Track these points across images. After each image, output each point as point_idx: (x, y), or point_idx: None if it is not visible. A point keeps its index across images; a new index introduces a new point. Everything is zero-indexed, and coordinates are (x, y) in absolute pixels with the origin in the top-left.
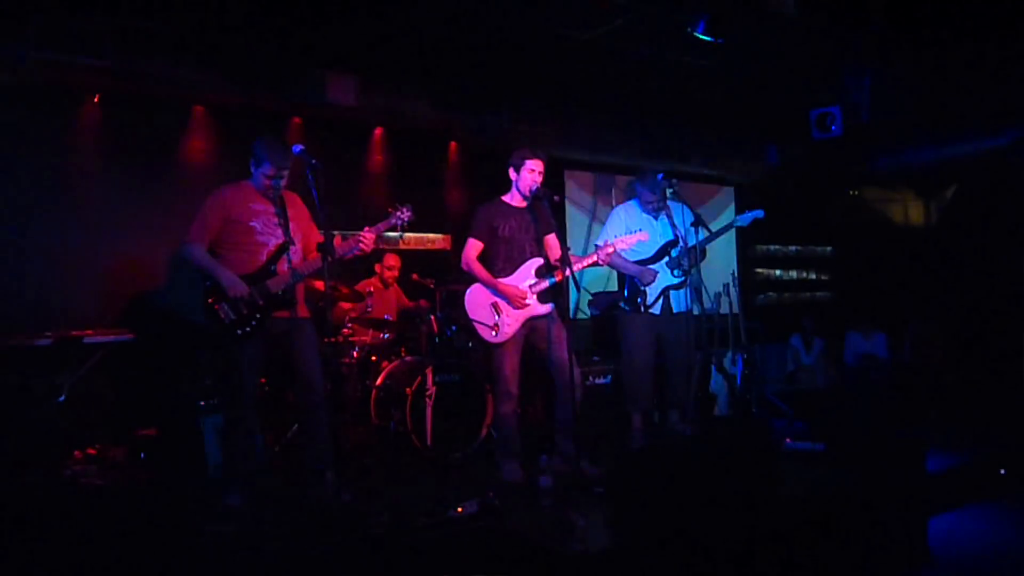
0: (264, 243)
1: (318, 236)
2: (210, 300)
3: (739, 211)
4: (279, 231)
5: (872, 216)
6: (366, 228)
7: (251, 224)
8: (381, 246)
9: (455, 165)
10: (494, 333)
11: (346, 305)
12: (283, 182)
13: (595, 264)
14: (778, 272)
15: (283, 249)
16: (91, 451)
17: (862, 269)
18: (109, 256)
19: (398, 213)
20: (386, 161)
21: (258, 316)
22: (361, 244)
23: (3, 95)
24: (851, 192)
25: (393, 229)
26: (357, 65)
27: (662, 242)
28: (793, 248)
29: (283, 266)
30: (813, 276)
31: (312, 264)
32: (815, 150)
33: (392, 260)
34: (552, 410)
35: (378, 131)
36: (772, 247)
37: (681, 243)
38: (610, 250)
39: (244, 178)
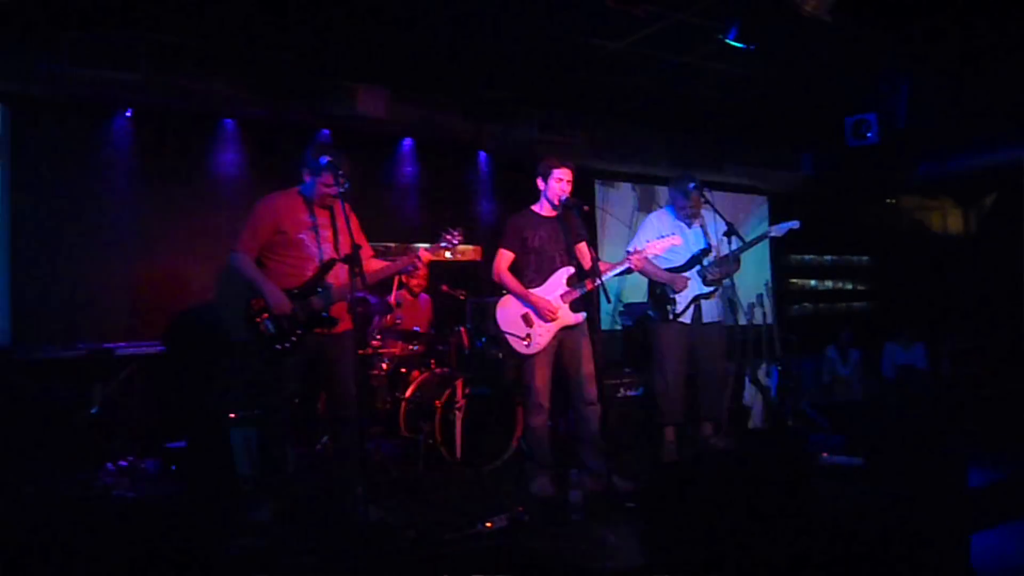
0: (312, 257)
1: (368, 248)
2: (252, 313)
3: (773, 221)
4: (328, 245)
5: (910, 225)
6: (421, 249)
7: (300, 237)
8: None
9: (485, 176)
10: (526, 344)
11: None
12: (339, 191)
13: (627, 271)
14: (813, 282)
15: (330, 265)
16: (123, 463)
17: (900, 279)
18: (141, 269)
19: (448, 236)
20: (416, 172)
21: (299, 332)
22: (417, 264)
23: (37, 109)
24: (888, 200)
25: (444, 252)
26: (387, 77)
27: (695, 250)
28: (829, 258)
29: (328, 282)
30: (850, 286)
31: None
32: (851, 158)
33: (420, 269)
34: (576, 427)
35: (408, 142)
36: (807, 257)
37: (714, 252)
38: (643, 255)
39: (277, 187)
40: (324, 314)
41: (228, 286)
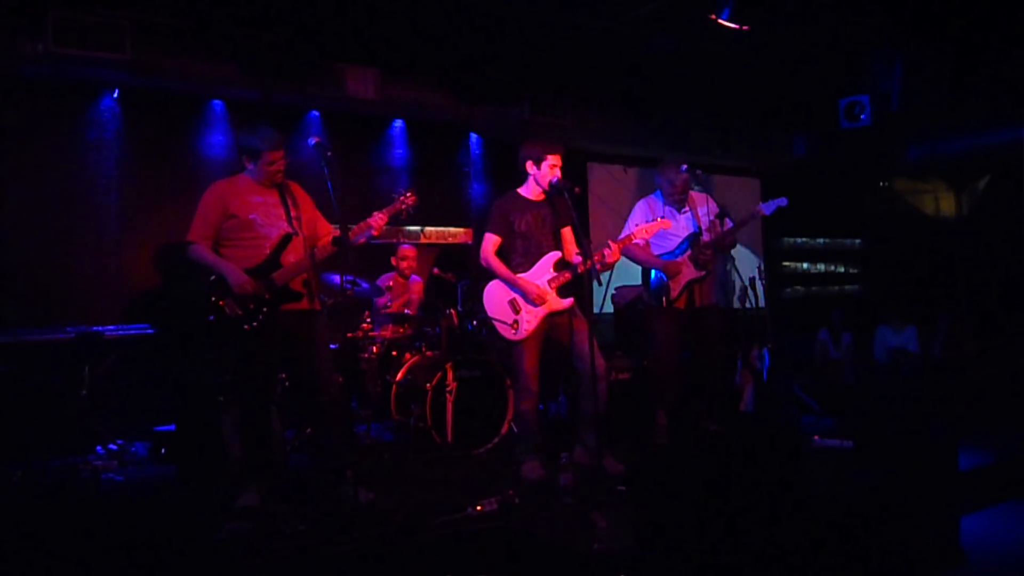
0: (267, 235)
1: (326, 225)
2: (214, 296)
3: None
4: (281, 222)
5: (902, 208)
6: (375, 212)
7: (251, 217)
8: (401, 240)
9: (476, 158)
10: (514, 330)
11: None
12: (283, 164)
13: (618, 256)
14: (806, 265)
15: (286, 240)
16: (112, 446)
17: (892, 262)
18: (129, 251)
19: (401, 198)
20: (406, 154)
21: (265, 310)
22: (371, 227)
23: (22, 90)
24: (881, 183)
25: (399, 215)
26: (376, 58)
27: (685, 235)
28: (821, 241)
29: (289, 258)
30: (842, 269)
31: (320, 254)
32: (844, 140)
33: (407, 251)
34: (576, 402)
35: (398, 124)
36: (800, 240)
37: (705, 235)
38: (631, 239)
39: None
40: (288, 288)
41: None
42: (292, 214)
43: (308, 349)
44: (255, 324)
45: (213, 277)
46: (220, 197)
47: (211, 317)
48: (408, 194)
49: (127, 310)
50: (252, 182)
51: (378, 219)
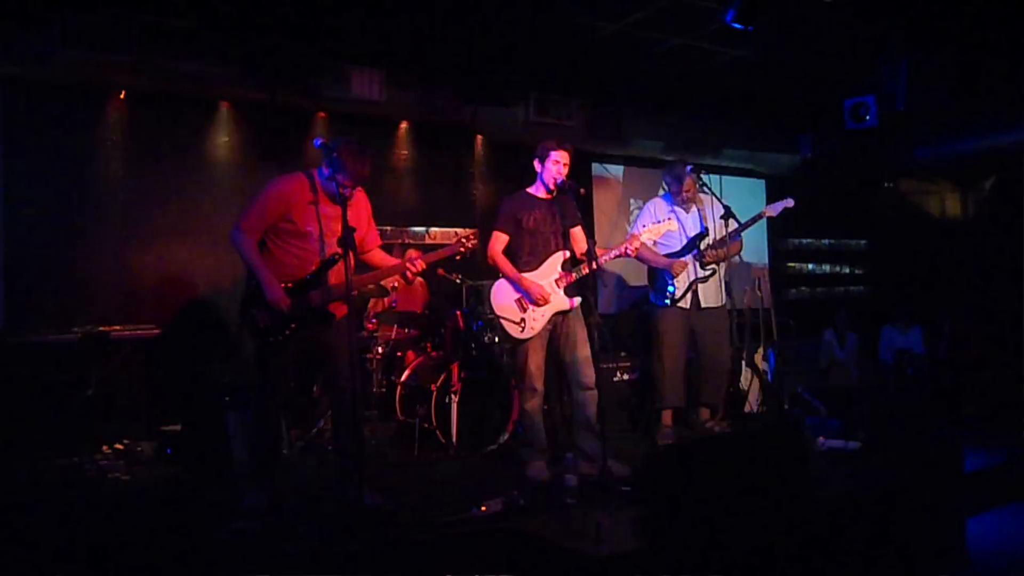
0: (316, 251)
1: (376, 237)
2: (248, 303)
3: (770, 203)
4: (334, 240)
5: (908, 208)
6: (412, 253)
7: (308, 229)
8: (405, 240)
9: (481, 159)
10: (520, 329)
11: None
12: (352, 193)
13: (623, 255)
14: (811, 266)
15: (333, 262)
16: (118, 446)
17: (898, 263)
18: (135, 252)
19: (463, 239)
20: (412, 156)
21: (293, 326)
22: (408, 269)
23: (29, 92)
24: (886, 184)
25: (454, 256)
26: (382, 59)
27: (691, 235)
28: (826, 241)
29: (331, 278)
30: (847, 270)
31: (360, 282)
32: (849, 141)
33: (412, 255)
34: (572, 411)
35: (403, 125)
36: (805, 240)
37: (710, 236)
38: (637, 242)
39: (273, 171)
40: (322, 310)
41: (222, 269)
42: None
43: (327, 353)
44: (280, 338)
45: (253, 283)
46: (285, 199)
47: (242, 322)
48: (470, 236)
49: (133, 311)
50: (320, 188)
51: (420, 261)
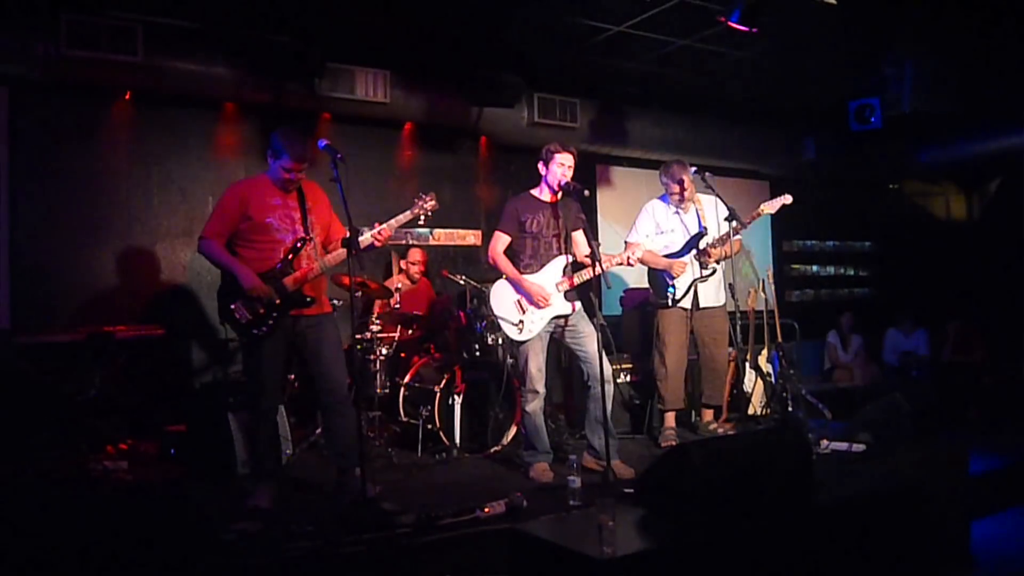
0: (282, 240)
1: (340, 228)
2: (226, 299)
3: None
4: (297, 226)
5: (913, 210)
6: (376, 223)
7: (268, 221)
8: (409, 241)
9: (485, 160)
10: (519, 331)
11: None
12: (300, 176)
13: (624, 263)
14: (815, 268)
15: (300, 245)
16: (122, 446)
17: (902, 265)
18: (140, 252)
19: (420, 202)
20: (416, 157)
21: (275, 315)
22: (375, 239)
23: (35, 93)
24: (891, 186)
25: (417, 219)
26: (387, 61)
27: (690, 235)
28: (831, 243)
29: (301, 263)
30: (851, 272)
31: (332, 260)
32: (854, 143)
33: (415, 255)
34: (583, 405)
35: (408, 127)
36: (809, 242)
37: (709, 235)
38: (639, 252)
39: (262, 172)
40: (299, 293)
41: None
42: (309, 218)
43: (317, 351)
44: (264, 329)
45: (227, 279)
46: (240, 197)
47: (221, 322)
48: (427, 197)
49: (137, 312)
50: (271, 183)
51: (392, 224)
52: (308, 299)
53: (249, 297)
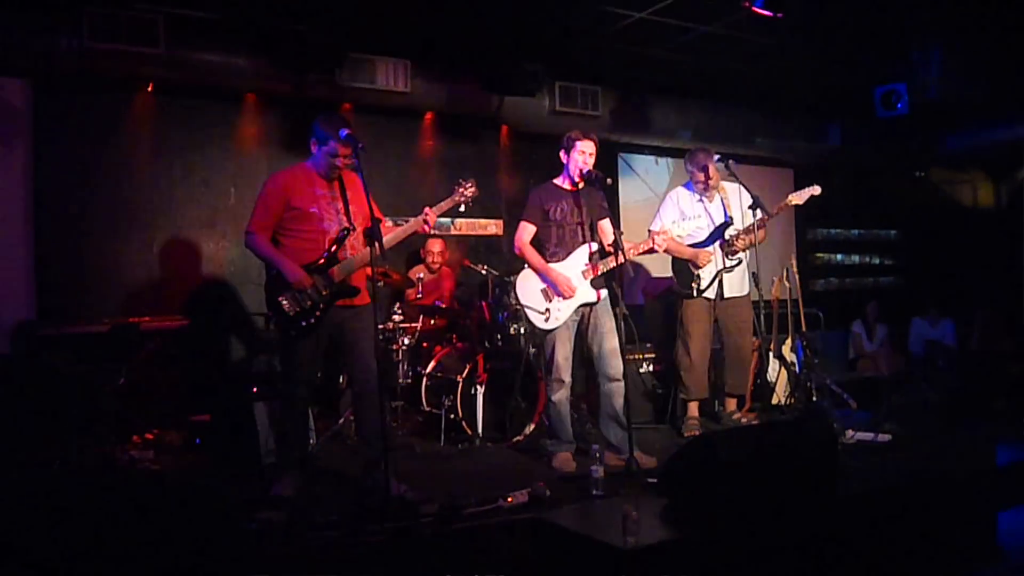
0: (326, 230)
1: (378, 213)
2: (273, 292)
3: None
4: (340, 216)
5: (939, 198)
6: (426, 208)
7: (311, 211)
8: (433, 233)
9: (506, 149)
10: (545, 319)
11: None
12: (349, 160)
13: (650, 251)
14: (839, 256)
15: (345, 236)
16: (148, 436)
17: (928, 254)
18: (163, 243)
19: (461, 189)
20: (437, 146)
21: (322, 307)
22: (426, 223)
23: (58, 86)
24: (917, 174)
25: (456, 207)
26: (407, 50)
27: (715, 224)
28: (856, 232)
29: (344, 253)
30: (877, 261)
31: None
32: (880, 129)
33: (434, 245)
34: (599, 402)
35: (428, 116)
36: (833, 231)
37: (735, 225)
38: (666, 236)
39: (299, 162)
40: (346, 284)
41: (249, 260)
42: (351, 208)
43: (355, 342)
44: (312, 320)
45: (273, 271)
46: (282, 188)
47: (269, 314)
48: (468, 184)
49: (162, 303)
50: (313, 172)
51: (432, 215)
52: (355, 290)
53: (297, 291)
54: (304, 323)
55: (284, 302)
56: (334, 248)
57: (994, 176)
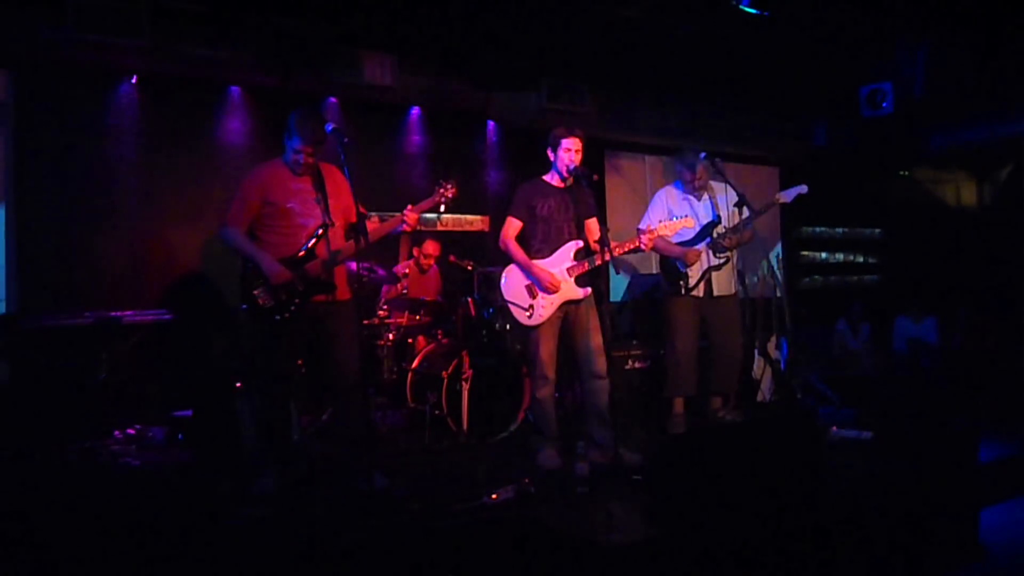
0: (303, 225)
1: (362, 211)
2: (248, 285)
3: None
4: (318, 211)
5: (923, 197)
6: (408, 207)
7: (289, 205)
8: (420, 228)
9: (493, 145)
10: (529, 315)
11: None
12: (309, 159)
13: (637, 249)
14: (824, 255)
15: (320, 234)
16: (130, 431)
17: (912, 252)
18: (146, 236)
19: (441, 190)
20: (423, 142)
21: (297, 301)
22: (404, 223)
23: (42, 75)
24: (902, 172)
25: (437, 207)
26: (394, 45)
27: (704, 223)
28: (840, 230)
29: (323, 248)
30: (861, 259)
31: (353, 246)
32: (865, 128)
33: (430, 248)
34: (583, 400)
35: (415, 111)
36: (819, 229)
37: (723, 224)
38: (653, 235)
39: (278, 156)
40: (322, 279)
41: (232, 253)
42: (330, 203)
43: (332, 337)
44: (286, 315)
45: (249, 265)
46: (260, 183)
47: (243, 306)
48: (448, 185)
49: (144, 296)
50: (289, 168)
51: (411, 217)
52: (331, 285)
53: (272, 285)
54: (279, 317)
55: (258, 296)
56: (311, 243)
57: (977, 175)
